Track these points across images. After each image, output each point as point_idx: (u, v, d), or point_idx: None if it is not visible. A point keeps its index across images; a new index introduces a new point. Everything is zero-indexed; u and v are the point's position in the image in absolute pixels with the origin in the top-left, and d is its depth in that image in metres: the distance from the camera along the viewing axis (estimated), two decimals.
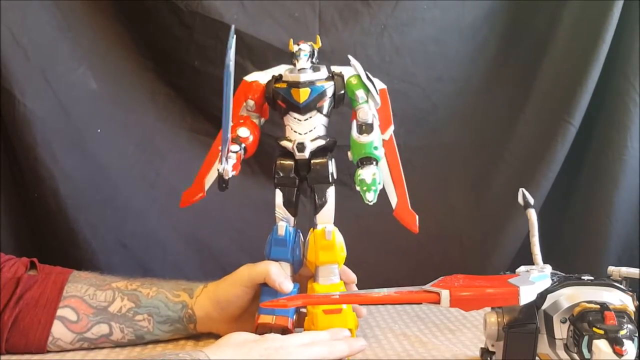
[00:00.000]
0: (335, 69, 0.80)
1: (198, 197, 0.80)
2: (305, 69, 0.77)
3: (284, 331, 0.75)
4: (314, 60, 0.78)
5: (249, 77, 0.81)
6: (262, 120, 0.83)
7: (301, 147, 0.78)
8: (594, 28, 1.04)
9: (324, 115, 0.79)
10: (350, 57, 0.78)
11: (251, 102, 0.80)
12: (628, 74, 1.05)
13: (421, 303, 0.90)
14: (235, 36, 0.67)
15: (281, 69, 0.81)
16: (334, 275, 0.79)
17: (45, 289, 0.79)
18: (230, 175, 0.72)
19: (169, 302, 0.81)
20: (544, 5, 1.09)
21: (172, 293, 0.82)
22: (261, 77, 0.81)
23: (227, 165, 0.71)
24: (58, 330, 0.78)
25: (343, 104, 0.79)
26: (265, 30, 1.02)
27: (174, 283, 0.83)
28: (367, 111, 0.76)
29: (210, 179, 0.80)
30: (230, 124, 0.69)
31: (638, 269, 0.67)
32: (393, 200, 0.79)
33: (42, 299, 0.78)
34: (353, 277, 0.83)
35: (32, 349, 0.78)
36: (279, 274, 0.78)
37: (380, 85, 0.79)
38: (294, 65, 0.77)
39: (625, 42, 1.05)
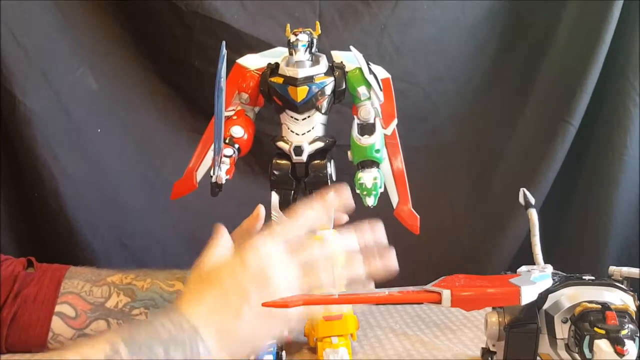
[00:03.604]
0: (336, 56, 0.76)
1: (190, 190, 0.78)
2: (302, 62, 0.72)
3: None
4: (312, 50, 0.73)
5: (243, 61, 0.77)
6: (257, 108, 0.78)
7: (298, 150, 0.74)
8: (594, 28, 1.04)
9: (323, 113, 0.75)
10: (352, 48, 0.74)
11: (245, 96, 0.76)
12: (628, 74, 1.05)
13: (422, 303, 0.90)
14: (225, 54, 0.66)
15: (278, 54, 0.76)
16: None
17: (42, 285, 0.79)
18: (224, 181, 0.70)
19: (164, 292, 0.80)
20: (544, 5, 1.09)
21: (167, 283, 0.81)
22: (256, 61, 0.77)
23: (221, 172, 0.70)
24: (58, 327, 0.78)
25: (344, 98, 0.76)
26: (265, 30, 1.02)
27: (168, 273, 0.83)
28: (369, 110, 0.73)
29: (201, 171, 0.78)
30: (223, 135, 0.68)
31: (639, 269, 0.67)
32: (394, 199, 0.77)
33: (39, 295, 0.78)
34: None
35: (33, 345, 0.78)
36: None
37: (383, 74, 0.76)
38: (291, 54, 0.72)
39: (625, 42, 1.05)
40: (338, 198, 0.67)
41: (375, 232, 0.67)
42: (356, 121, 0.74)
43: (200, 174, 0.78)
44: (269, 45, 1.02)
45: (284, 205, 0.76)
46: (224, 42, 0.67)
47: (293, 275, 0.61)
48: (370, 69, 0.74)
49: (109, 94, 1.05)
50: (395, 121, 0.77)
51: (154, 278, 0.82)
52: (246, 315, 0.58)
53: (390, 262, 0.66)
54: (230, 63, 0.75)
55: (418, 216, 0.77)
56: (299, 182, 0.77)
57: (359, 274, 0.64)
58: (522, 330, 0.64)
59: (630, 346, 0.56)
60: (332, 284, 0.62)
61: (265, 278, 0.59)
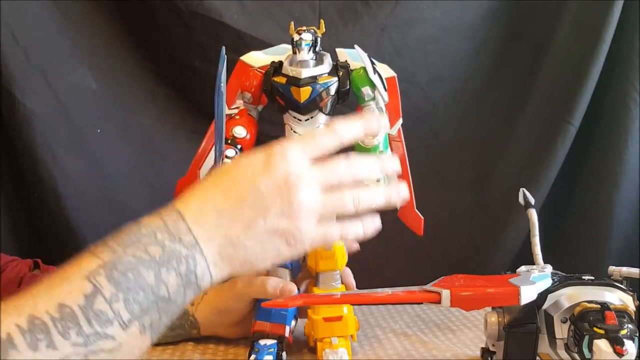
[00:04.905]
0: (341, 54, 0.76)
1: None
2: (306, 61, 0.71)
3: (280, 338, 0.74)
4: (316, 49, 0.72)
5: (247, 59, 0.76)
6: (260, 107, 0.78)
7: None
8: (594, 28, 1.04)
9: (326, 114, 0.73)
10: (357, 47, 0.74)
11: (248, 95, 0.75)
12: (628, 74, 1.05)
13: (422, 303, 0.90)
14: (225, 58, 0.66)
15: (282, 51, 0.75)
16: (335, 281, 0.77)
17: None
18: None
19: None
20: (544, 5, 1.09)
21: None
22: (259, 58, 0.76)
23: None
24: None
25: (348, 98, 0.74)
26: (265, 30, 1.02)
27: None
28: (374, 110, 0.73)
29: (205, 169, 0.77)
30: (224, 138, 0.68)
31: (638, 269, 0.67)
32: None
33: None
34: (352, 283, 0.79)
35: None
36: (276, 286, 0.73)
37: (388, 73, 0.75)
38: (295, 53, 0.71)
39: (625, 42, 1.05)
40: (378, 123, 0.62)
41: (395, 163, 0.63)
42: None
43: (204, 171, 0.78)
44: (268, 46, 1.02)
45: None
46: (223, 47, 0.67)
47: (317, 193, 0.54)
48: (374, 69, 0.73)
49: (108, 94, 1.05)
50: (400, 121, 0.76)
51: None
52: (259, 229, 0.52)
53: (404, 194, 0.60)
54: (231, 63, 0.75)
55: (422, 218, 0.77)
56: None
57: (379, 202, 0.58)
58: (521, 330, 0.64)
59: (629, 346, 0.56)
60: (355, 210, 0.57)
61: (289, 189, 0.52)
